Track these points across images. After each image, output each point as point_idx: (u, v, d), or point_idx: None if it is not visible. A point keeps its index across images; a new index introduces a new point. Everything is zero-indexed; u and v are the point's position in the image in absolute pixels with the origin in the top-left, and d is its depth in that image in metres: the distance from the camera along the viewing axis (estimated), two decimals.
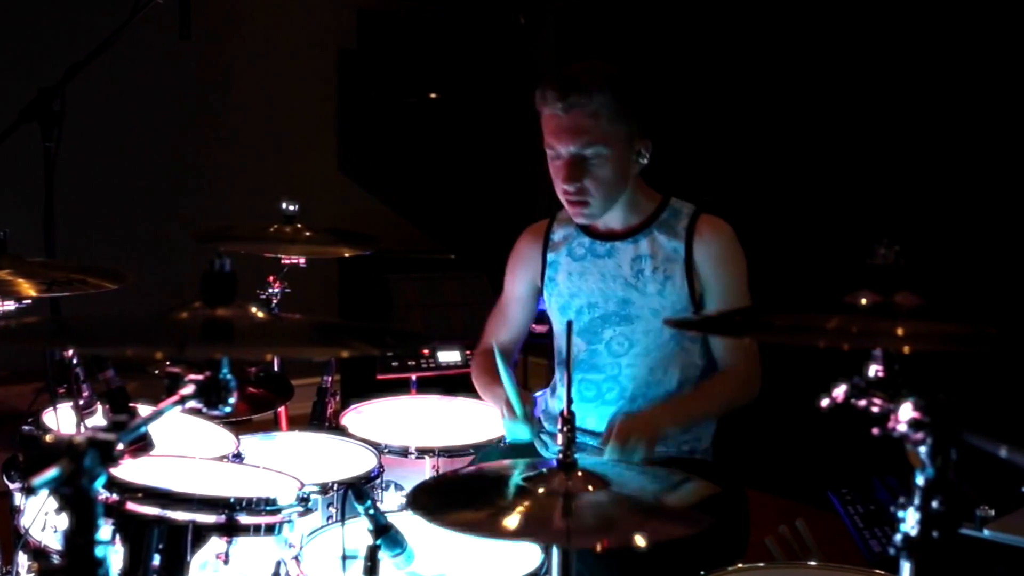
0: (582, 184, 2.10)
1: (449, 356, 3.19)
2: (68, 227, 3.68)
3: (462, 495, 1.53)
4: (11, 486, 1.93)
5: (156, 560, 1.65)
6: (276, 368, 2.69)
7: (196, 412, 1.21)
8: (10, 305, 1.80)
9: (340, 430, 2.42)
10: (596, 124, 2.06)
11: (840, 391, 1.11)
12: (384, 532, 1.65)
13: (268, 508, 1.73)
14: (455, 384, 3.13)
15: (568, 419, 1.46)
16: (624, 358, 2.17)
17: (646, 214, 2.20)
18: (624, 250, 2.19)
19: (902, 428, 1.04)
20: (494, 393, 2.28)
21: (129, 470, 1.71)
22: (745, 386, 2.18)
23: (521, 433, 2.14)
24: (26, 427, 1.94)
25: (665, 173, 2.34)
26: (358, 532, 1.74)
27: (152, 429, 1.18)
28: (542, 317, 2.44)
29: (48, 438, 1.02)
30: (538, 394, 2.43)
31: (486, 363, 2.37)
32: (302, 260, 2.66)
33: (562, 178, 2.11)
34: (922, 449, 1.02)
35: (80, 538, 0.99)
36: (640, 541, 1.30)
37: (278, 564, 1.73)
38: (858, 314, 1.16)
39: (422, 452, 2.32)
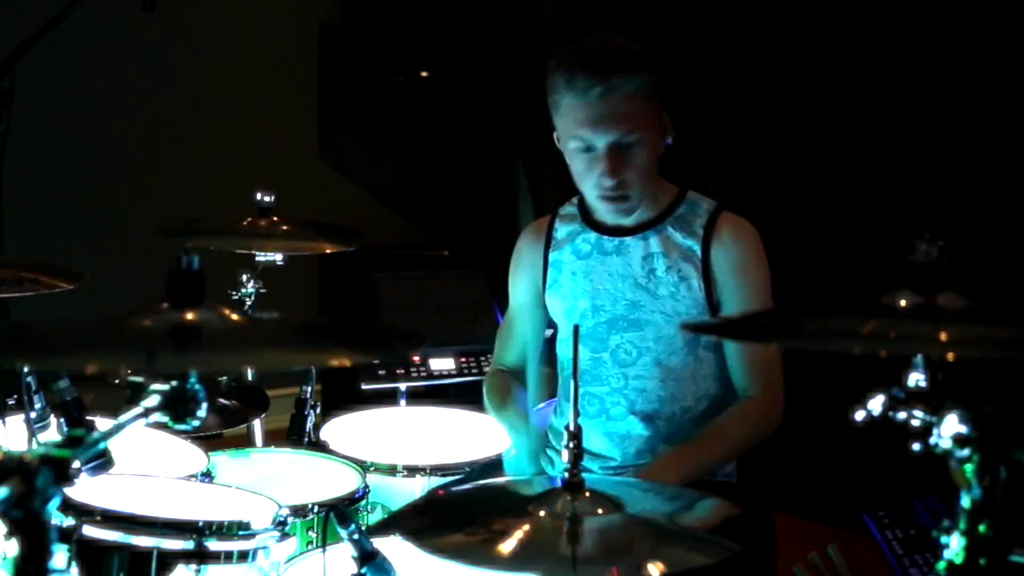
0: (623, 177, 2.08)
1: (442, 364, 3.19)
2: (18, 220, 3.68)
3: (455, 516, 1.53)
4: None
5: None
6: (250, 377, 2.69)
7: (161, 426, 1.21)
8: None
9: (321, 446, 2.42)
10: (632, 108, 2.05)
11: (877, 403, 1.11)
12: (370, 559, 1.65)
13: (241, 533, 1.73)
14: (448, 395, 3.13)
15: (575, 434, 1.46)
16: (632, 368, 2.17)
17: (660, 208, 2.20)
18: (634, 247, 2.18)
19: (946, 444, 1.04)
20: (511, 423, 2.27)
21: (86, 491, 1.70)
22: (766, 420, 2.17)
23: (520, 465, 2.14)
24: None
25: (682, 161, 2.34)
26: (341, 559, 1.73)
27: (112, 445, 1.18)
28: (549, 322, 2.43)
29: None
30: (541, 406, 2.43)
31: (500, 384, 2.37)
32: (279, 257, 2.66)
33: (602, 171, 2.08)
34: (968, 467, 1.03)
35: (32, 566, 0.99)
36: (654, 572, 1.30)
37: None
38: (897, 317, 1.16)
39: (412, 470, 2.32)
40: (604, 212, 2.19)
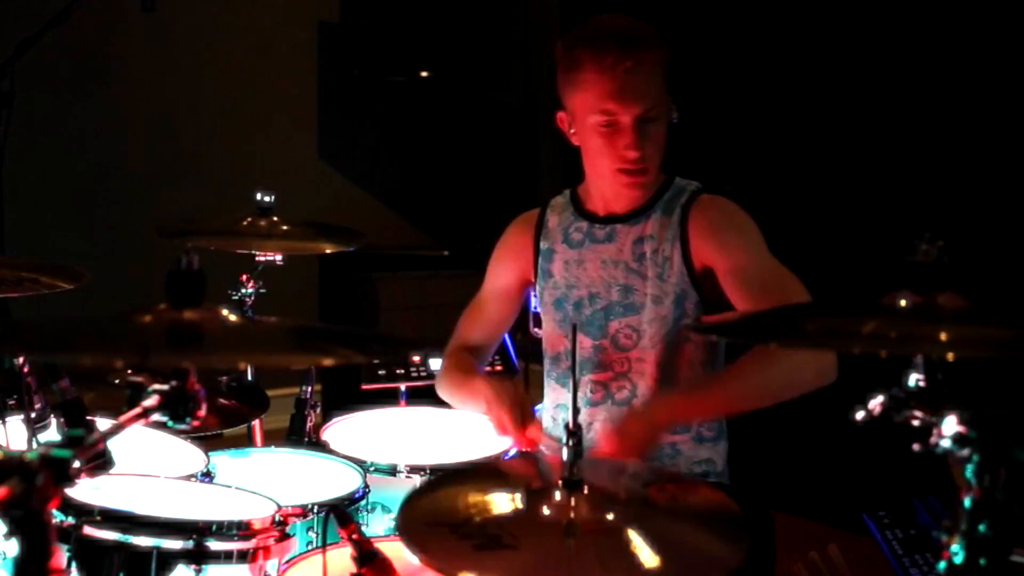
0: (644, 151, 2.11)
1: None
2: (19, 220, 3.69)
3: (455, 516, 1.53)
4: None
5: None
6: (250, 377, 2.69)
7: (161, 426, 1.21)
8: None
9: (321, 446, 2.42)
10: (655, 83, 2.10)
11: (877, 403, 1.11)
12: (370, 559, 1.65)
13: (241, 533, 1.73)
14: None
15: (574, 432, 1.46)
16: (633, 352, 2.18)
17: (650, 193, 2.22)
18: (625, 232, 2.20)
19: (946, 444, 1.04)
20: (471, 388, 2.23)
21: (86, 490, 1.71)
22: (806, 360, 1.98)
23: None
24: None
25: (682, 160, 2.34)
26: (341, 559, 1.73)
27: (112, 445, 1.18)
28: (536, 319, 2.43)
29: None
30: (537, 408, 2.43)
31: (461, 361, 2.35)
32: (279, 257, 2.66)
33: (626, 145, 2.09)
34: (968, 467, 1.03)
35: (32, 566, 0.99)
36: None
37: None
38: (897, 317, 1.16)
39: (412, 470, 2.32)
40: (620, 187, 2.17)
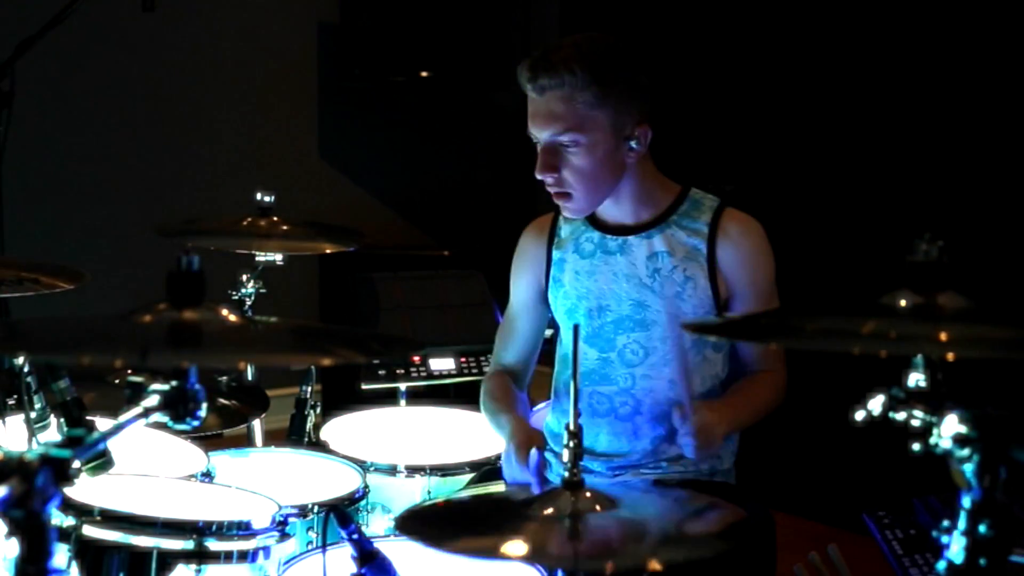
0: (559, 175, 2.10)
1: (442, 364, 3.19)
2: (18, 220, 3.69)
3: (456, 518, 1.53)
4: None
5: None
6: (250, 377, 2.69)
7: (161, 426, 1.21)
8: None
9: (321, 446, 2.42)
10: (570, 109, 2.05)
11: (877, 403, 1.11)
12: (370, 560, 1.65)
13: (241, 533, 1.74)
14: (449, 395, 3.13)
15: (575, 433, 1.46)
16: (639, 368, 2.15)
17: (661, 207, 2.18)
18: (638, 246, 2.17)
19: (946, 444, 1.04)
20: (499, 423, 2.24)
21: (86, 490, 1.71)
22: (781, 390, 2.21)
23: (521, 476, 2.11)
24: None
25: (682, 159, 2.33)
26: (341, 560, 1.74)
27: (112, 445, 1.18)
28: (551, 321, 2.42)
29: None
30: (540, 407, 2.42)
31: (496, 387, 2.32)
32: (279, 257, 2.66)
33: (536, 166, 2.11)
34: (968, 467, 1.03)
35: (32, 566, 0.99)
36: (654, 562, 1.30)
37: None
38: (897, 317, 1.16)
39: (412, 470, 2.32)
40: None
